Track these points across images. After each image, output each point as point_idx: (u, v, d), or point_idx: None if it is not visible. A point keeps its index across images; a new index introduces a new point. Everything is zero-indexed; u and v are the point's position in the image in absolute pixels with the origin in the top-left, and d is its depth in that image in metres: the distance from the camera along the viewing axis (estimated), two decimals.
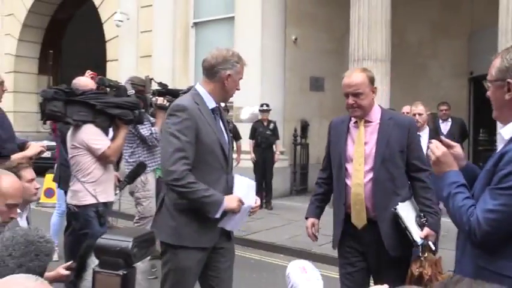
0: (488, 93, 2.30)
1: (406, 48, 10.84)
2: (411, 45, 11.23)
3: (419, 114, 5.85)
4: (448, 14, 11.15)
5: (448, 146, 2.54)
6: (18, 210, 3.32)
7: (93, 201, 4.15)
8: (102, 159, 4.27)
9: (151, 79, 5.16)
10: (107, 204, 4.32)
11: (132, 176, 4.81)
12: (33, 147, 4.68)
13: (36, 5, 15.34)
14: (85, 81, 4.63)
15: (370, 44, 8.28)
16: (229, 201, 3.21)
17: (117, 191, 4.87)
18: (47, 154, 8.20)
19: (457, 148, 2.56)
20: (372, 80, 3.37)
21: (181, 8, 11.90)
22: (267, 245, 7.42)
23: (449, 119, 8.72)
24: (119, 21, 12.48)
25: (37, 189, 3.57)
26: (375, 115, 3.31)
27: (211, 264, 3.36)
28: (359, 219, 3.24)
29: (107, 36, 13.40)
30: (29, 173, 3.49)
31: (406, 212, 3.23)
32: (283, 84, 10.71)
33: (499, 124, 2.38)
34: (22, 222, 3.46)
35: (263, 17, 10.40)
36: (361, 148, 3.38)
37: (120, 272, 1.35)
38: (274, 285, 5.94)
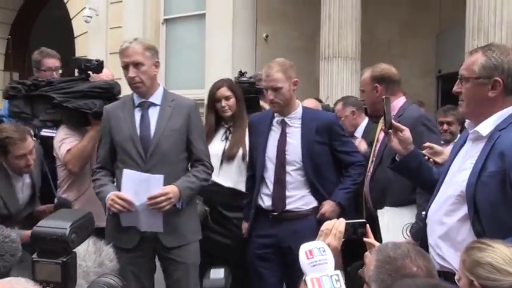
0: (458, 89, 2.28)
1: (376, 46, 10.92)
2: (381, 43, 11.32)
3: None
4: (417, 13, 11.27)
5: (397, 129, 2.58)
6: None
7: None
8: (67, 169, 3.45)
9: (244, 73, 4.38)
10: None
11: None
12: None
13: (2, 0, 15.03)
14: (105, 72, 3.88)
15: (341, 42, 8.32)
16: (109, 199, 3.03)
17: None
18: None
19: (406, 132, 2.59)
20: (375, 78, 3.39)
21: (152, 4, 11.77)
22: None
23: None
24: (88, 17, 12.28)
25: (29, 165, 3.24)
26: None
27: (164, 272, 3.28)
28: None
29: (76, 32, 13.17)
30: (19, 149, 3.18)
31: (391, 217, 3.14)
32: None
33: (467, 122, 2.38)
34: (22, 185, 3.38)
35: (234, 14, 10.36)
36: (373, 146, 3.43)
37: (60, 260, 1.32)
38: None
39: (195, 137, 3.26)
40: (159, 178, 3.04)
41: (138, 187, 3.01)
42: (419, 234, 2.78)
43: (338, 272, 1.74)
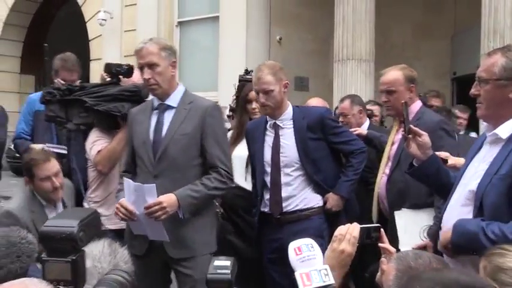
0: (476, 92, 2.22)
1: (390, 48, 10.89)
2: (395, 45, 11.28)
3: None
4: (431, 15, 11.22)
5: (416, 134, 2.52)
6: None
7: None
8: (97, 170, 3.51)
9: (250, 71, 4.27)
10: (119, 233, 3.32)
11: None
12: None
13: (19, 3, 15.16)
14: (136, 76, 3.77)
15: (355, 44, 8.29)
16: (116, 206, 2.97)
17: None
18: None
19: (425, 137, 2.53)
20: (409, 79, 3.32)
21: (166, 7, 11.84)
22: None
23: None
24: (103, 20, 12.38)
25: (56, 188, 3.21)
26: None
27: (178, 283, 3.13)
28: None
29: (90, 35, 13.28)
30: (42, 170, 3.20)
31: (408, 219, 3.11)
32: None
33: (483, 125, 2.34)
34: None
35: (248, 17, 10.38)
36: (388, 148, 3.38)
37: (69, 258, 1.33)
38: None
39: (210, 141, 3.05)
40: (152, 187, 2.87)
41: (135, 196, 2.93)
42: (437, 236, 2.76)
43: (327, 266, 1.75)
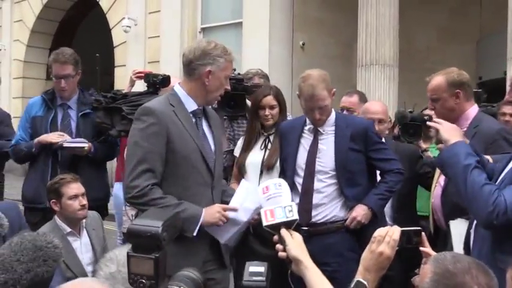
0: None
1: (414, 53, 10.80)
2: (419, 50, 11.19)
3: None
4: (456, 20, 11.10)
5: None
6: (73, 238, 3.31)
7: None
8: None
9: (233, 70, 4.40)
10: None
11: None
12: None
13: (45, 11, 15.40)
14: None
15: (378, 49, 8.26)
16: (208, 215, 2.64)
17: None
18: None
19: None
20: (453, 84, 3.14)
21: (189, 14, 11.92)
22: None
23: None
24: (127, 26, 12.50)
25: (83, 205, 3.28)
26: (464, 122, 3.07)
27: None
28: None
29: (115, 42, 13.43)
30: (71, 188, 3.28)
31: (463, 229, 3.00)
32: (291, 89, 10.69)
33: None
34: (81, 245, 3.39)
35: (271, 22, 10.40)
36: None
37: (153, 256, 1.44)
38: None
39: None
40: (255, 188, 2.67)
41: (242, 198, 2.78)
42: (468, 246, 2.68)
43: (292, 203, 1.80)
